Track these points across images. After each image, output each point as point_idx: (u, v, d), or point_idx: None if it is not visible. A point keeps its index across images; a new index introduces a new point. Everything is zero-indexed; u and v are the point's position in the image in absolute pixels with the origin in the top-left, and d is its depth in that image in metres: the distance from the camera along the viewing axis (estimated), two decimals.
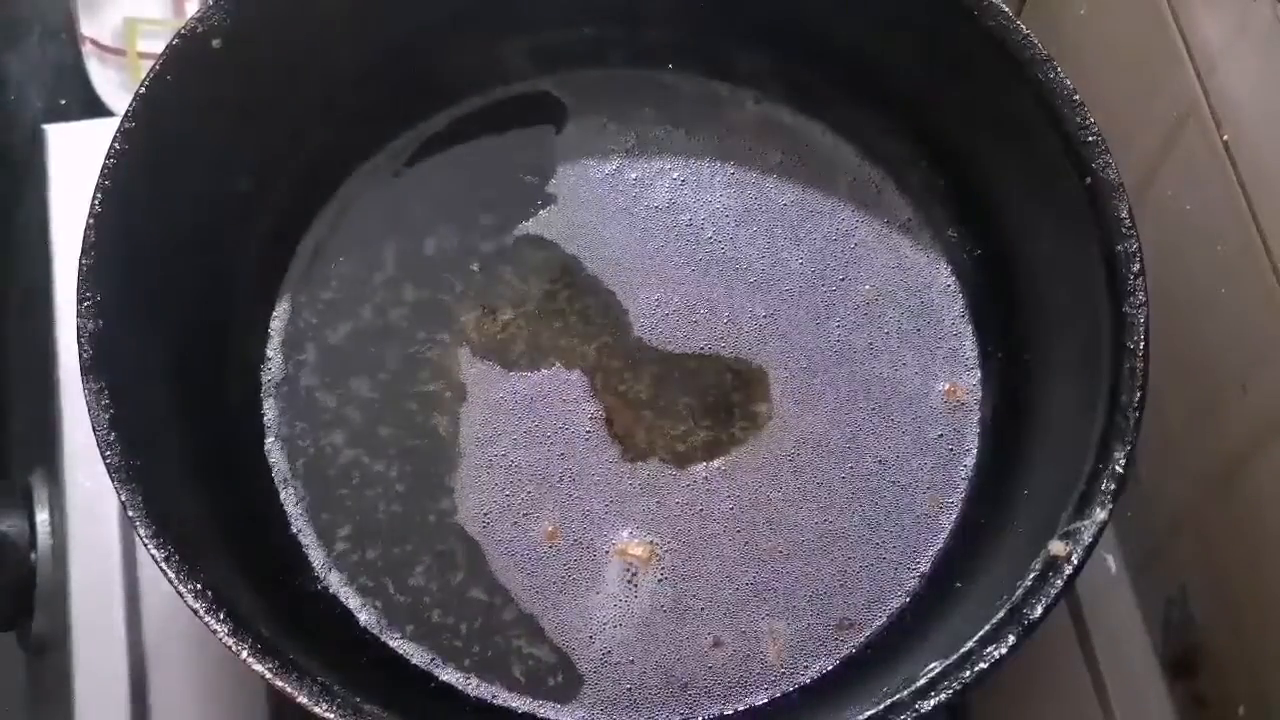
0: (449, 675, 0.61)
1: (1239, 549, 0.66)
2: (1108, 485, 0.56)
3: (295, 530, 0.64)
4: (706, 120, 0.72)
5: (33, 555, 0.65)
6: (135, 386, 0.58)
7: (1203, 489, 0.68)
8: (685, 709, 0.61)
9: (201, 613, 0.53)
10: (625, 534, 0.64)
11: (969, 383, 0.67)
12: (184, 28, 0.62)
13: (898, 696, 0.53)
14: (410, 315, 0.68)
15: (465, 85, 0.72)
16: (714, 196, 0.71)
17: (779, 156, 0.71)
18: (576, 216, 0.70)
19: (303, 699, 0.52)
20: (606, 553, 0.63)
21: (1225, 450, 0.66)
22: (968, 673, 0.53)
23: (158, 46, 0.65)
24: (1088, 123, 0.61)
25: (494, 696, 0.61)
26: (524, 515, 0.64)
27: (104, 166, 0.59)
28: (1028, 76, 0.63)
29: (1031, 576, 0.55)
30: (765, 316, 0.68)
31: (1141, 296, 0.59)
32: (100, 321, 0.58)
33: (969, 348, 0.68)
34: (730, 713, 0.61)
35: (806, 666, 0.61)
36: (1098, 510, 0.55)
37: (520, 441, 0.65)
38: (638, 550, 0.63)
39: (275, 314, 0.68)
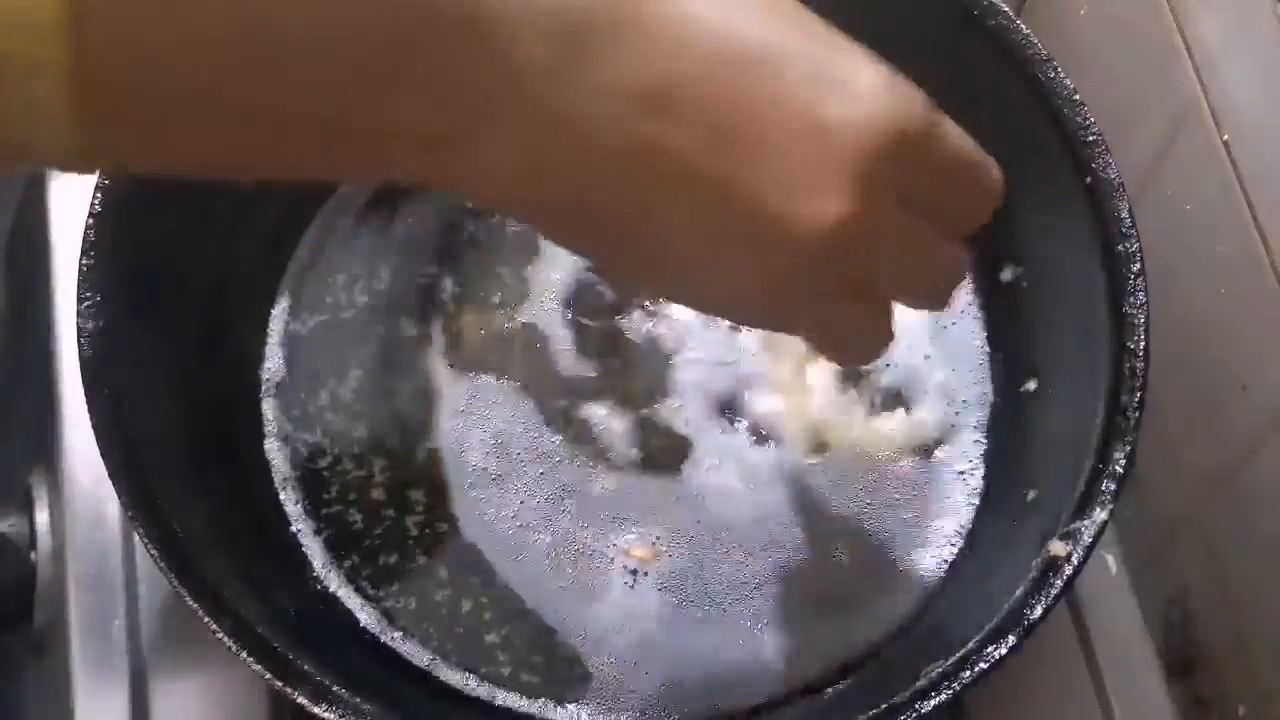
0: (449, 676, 0.61)
1: (1239, 549, 0.66)
2: (1108, 485, 0.56)
3: (295, 530, 0.64)
4: None
5: (33, 555, 0.65)
6: (135, 386, 0.58)
7: (1203, 489, 0.68)
8: (686, 710, 0.61)
9: (201, 613, 0.53)
10: (631, 535, 0.63)
11: (969, 383, 0.67)
12: None
13: (898, 696, 0.53)
14: (409, 317, 0.68)
15: None
16: None
17: None
18: None
19: (303, 699, 0.52)
20: (611, 559, 0.63)
21: (1225, 450, 0.66)
22: (968, 673, 0.53)
23: None
24: (1088, 123, 0.61)
25: (494, 698, 0.61)
26: (523, 526, 0.64)
27: None
28: (1028, 76, 0.63)
29: (1031, 576, 0.55)
30: None
31: (1141, 296, 0.59)
32: (100, 321, 0.58)
33: (969, 348, 0.68)
34: (732, 714, 0.61)
35: (807, 667, 0.61)
36: (1098, 510, 0.55)
37: (520, 447, 0.65)
38: (641, 551, 0.63)
39: (274, 313, 0.68)
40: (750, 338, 0.67)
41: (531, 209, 0.45)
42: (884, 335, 0.51)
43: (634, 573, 0.63)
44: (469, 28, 0.40)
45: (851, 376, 0.67)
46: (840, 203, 0.43)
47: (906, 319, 0.67)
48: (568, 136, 0.42)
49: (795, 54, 0.44)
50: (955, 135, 0.47)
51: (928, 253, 0.49)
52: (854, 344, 0.51)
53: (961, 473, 0.65)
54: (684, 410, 0.66)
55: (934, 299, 0.53)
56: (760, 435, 0.66)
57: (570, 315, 0.68)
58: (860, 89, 0.44)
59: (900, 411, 0.66)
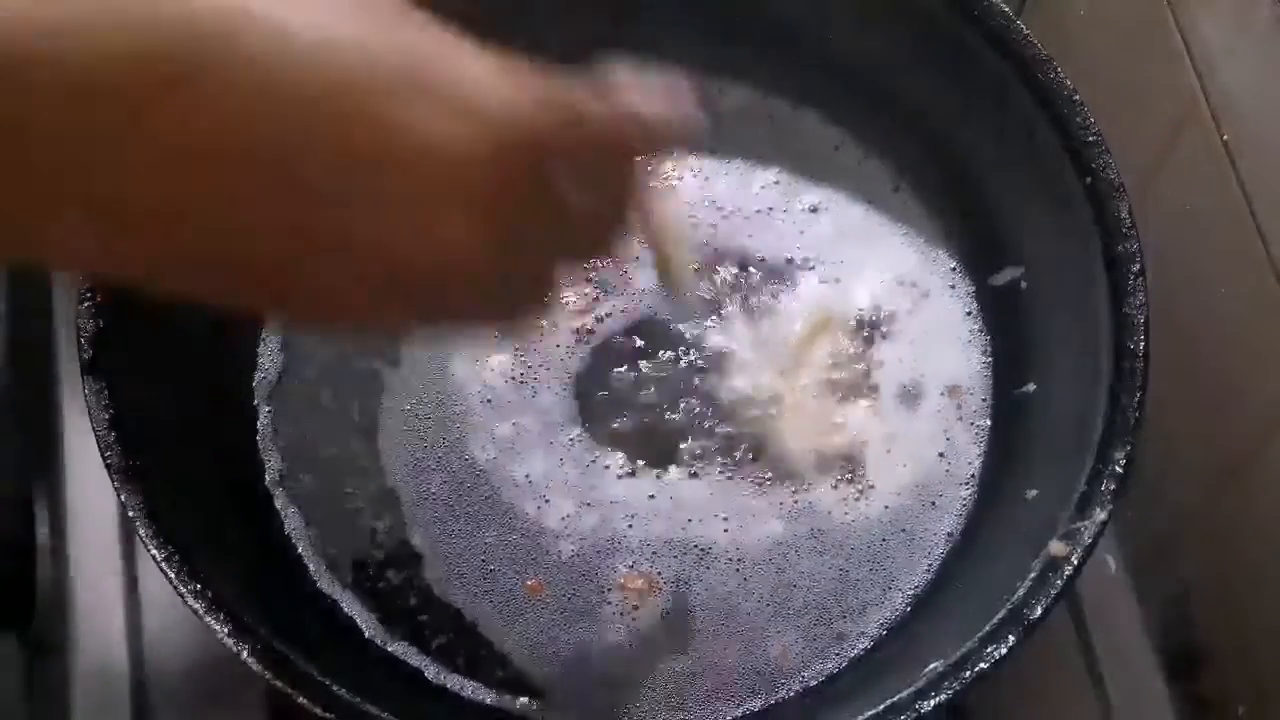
0: (446, 679, 0.61)
1: (1239, 549, 0.66)
2: (1108, 485, 0.56)
3: (291, 531, 0.63)
4: (709, 120, 0.72)
5: (33, 555, 0.65)
6: (135, 386, 0.58)
7: (1203, 489, 0.68)
8: (684, 713, 0.61)
9: (201, 613, 0.53)
10: (623, 568, 0.63)
11: (969, 384, 0.67)
12: None
13: (898, 696, 0.53)
14: None
15: None
16: (716, 196, 0.71)
17: (779, 158, 0.71)
18: None
19: (303, 699, 0.52)
20: (606, 590, 0.62)
21: (1225, 450, 0.66)
22: (968, 673, 0.53)
23: None
24: (1088, 123, 0.61)
25: (492, 700, 0.61)
26: (510, 563, 0.63)
27: None
28: (1028, 76, 0.63)
29: (1031, 576, 0.55)
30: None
31: (1141, 297, 0.59)
32: (100, 321, 0.58)
33: (970, 348, 0.68)
34: (733, 716, 0.61)
35: (808, 669, 0.61)
36: (1098, 510, 0.55)
37: (509, 473, 0.65)
38: (637, 583, 0.63)
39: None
40: (741, 346, 0.67)
41: (131, 271, 0.42)
42: (542, 292, 0.48)
43: (632, 604, 0.62)
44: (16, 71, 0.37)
45: (850, 378, 0.67)
46: (462, 229, 0.41)
47: (907, 319, 0.68)
48: (143, 197, 0.38)
49: (392, 69, 0.40)
50: (586, 110, 0.44)
51: (582, 221, 0.46)
52: (514, 320, 0.50)
53: (961, 473, 0.65)
54: (679, 418, 0.66)
55: (591, 251, 0.49)
56: (755, 439, 0.66)
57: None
58: (468, 100, 0.41)
59: (900, 412, 0.66)
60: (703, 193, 0.70)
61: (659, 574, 0.63)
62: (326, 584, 0.62)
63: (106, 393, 0.56)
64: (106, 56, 0.37)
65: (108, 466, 0.56)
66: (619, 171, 0.47)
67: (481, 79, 0.42)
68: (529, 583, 0.62)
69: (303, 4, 0.39)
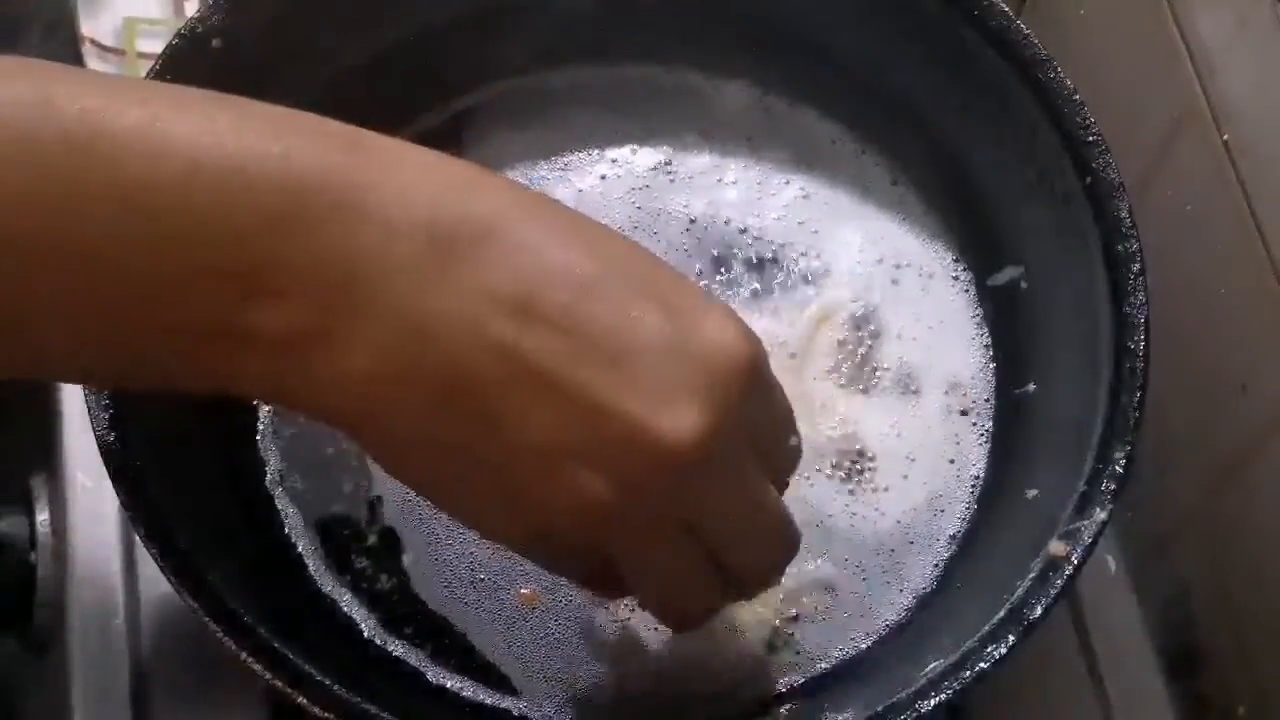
0: (446, 680, 0.61)
1: (1239, 549, 0.66)
2: (1108, 485, 0.56)
3: (291, 531, 0.63)
4: (706, 117, 0.72)
5: (33, 555, 0.65)
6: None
7: (1203, 489, 0.68)
8: (683, 714, 0.61)
9: (201, 613, 0.53)
10: None
11: (969, 383, 0.67)
12: (184, 28, 0.62)
13: (898, 696, 0.53)
14: None
15: (463, 82, 0.72)
16: (717, 193, 0.70)
17: (779, 155, 0.71)
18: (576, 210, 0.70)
19: (303, 699, 0.52)
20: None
21: (1225, 450, 0.66)
22: (968, 673, 0.53)
23: (158, 46, 0.65)
24: (1088, 123, 0.61)
25: (491, 700, 0.61)
26: (503, 572, 0.62)
27: None
28: (1028, 76, 0.63)
29: (1031, 576, 0.55)
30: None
31: (1141, 296, 0.59)
32: None
33: (970, 348, 0.67)
34: (732, 717, 0.61)
35: (807, 668, 0.61)
36: (1098, 510, 0.55)
37: None
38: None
39: None
40: None
41: (380, 422, 0.45)
42: (713, 599, 0.52)
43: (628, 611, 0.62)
44: (342, 219, 0.42)
45: (852, 375, 0.67)
46: (702, 415, 0.44)
47: (908, 316, 0.68)
48: (430, 339, 0.42)
49: (650, 276, 0.45)
50: (778, 384, 0.49)
51: (757, 500, 0.49)
52: (680, 599, 0.51)
53: (961, 473, 0.65)
54: None
55: (760, 568, 0.53)
56: None
57: None
58: (719, 316, 0.45)
59: (899, 412, 0.66)
60: (698, 187, 0.70)
61: None
62: (326, 584, 0.62)
63: (106, 393, 0.56)
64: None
65: (108, 466, 0.55)
66: (786, 454, 0.52)
67: (725, 309, 0.46)
68: (523, 591, 0.62)
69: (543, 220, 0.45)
